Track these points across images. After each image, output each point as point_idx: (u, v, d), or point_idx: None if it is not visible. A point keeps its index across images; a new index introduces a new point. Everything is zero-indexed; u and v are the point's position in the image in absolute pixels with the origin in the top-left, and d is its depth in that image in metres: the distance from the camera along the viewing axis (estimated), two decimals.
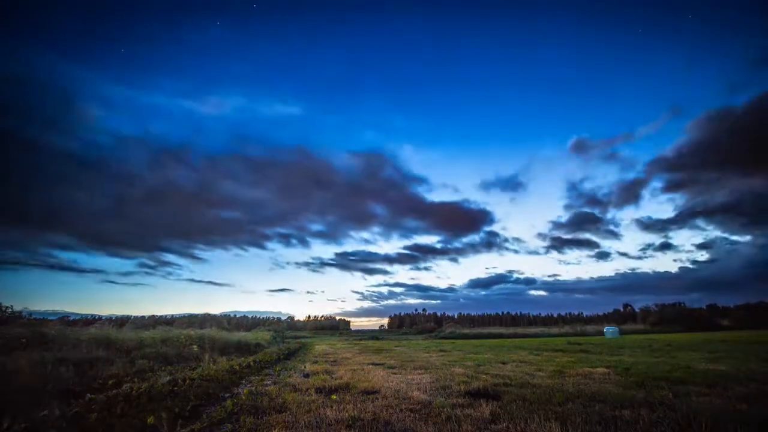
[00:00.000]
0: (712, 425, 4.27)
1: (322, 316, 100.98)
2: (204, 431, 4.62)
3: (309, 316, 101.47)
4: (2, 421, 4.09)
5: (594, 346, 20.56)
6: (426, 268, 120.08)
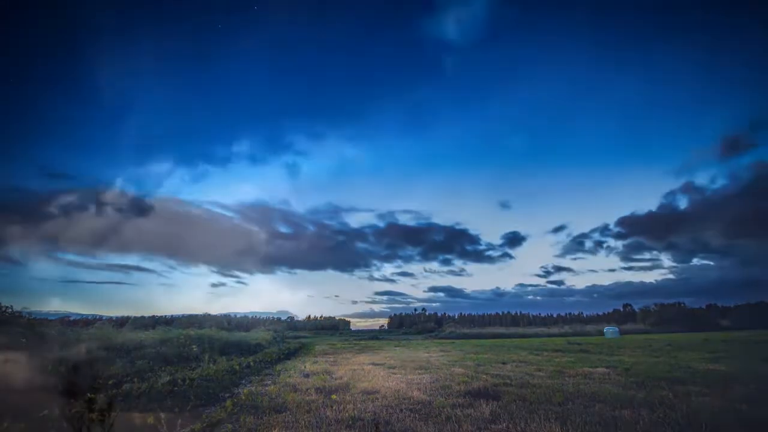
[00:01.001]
0: (712, 425, 4.27)
1: (322, 316, 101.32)
2: (204, 431, 4.62)
3: (309, 316, 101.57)
4: (2, 421, 4.09)
5: (594, 346, 20.55)
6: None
